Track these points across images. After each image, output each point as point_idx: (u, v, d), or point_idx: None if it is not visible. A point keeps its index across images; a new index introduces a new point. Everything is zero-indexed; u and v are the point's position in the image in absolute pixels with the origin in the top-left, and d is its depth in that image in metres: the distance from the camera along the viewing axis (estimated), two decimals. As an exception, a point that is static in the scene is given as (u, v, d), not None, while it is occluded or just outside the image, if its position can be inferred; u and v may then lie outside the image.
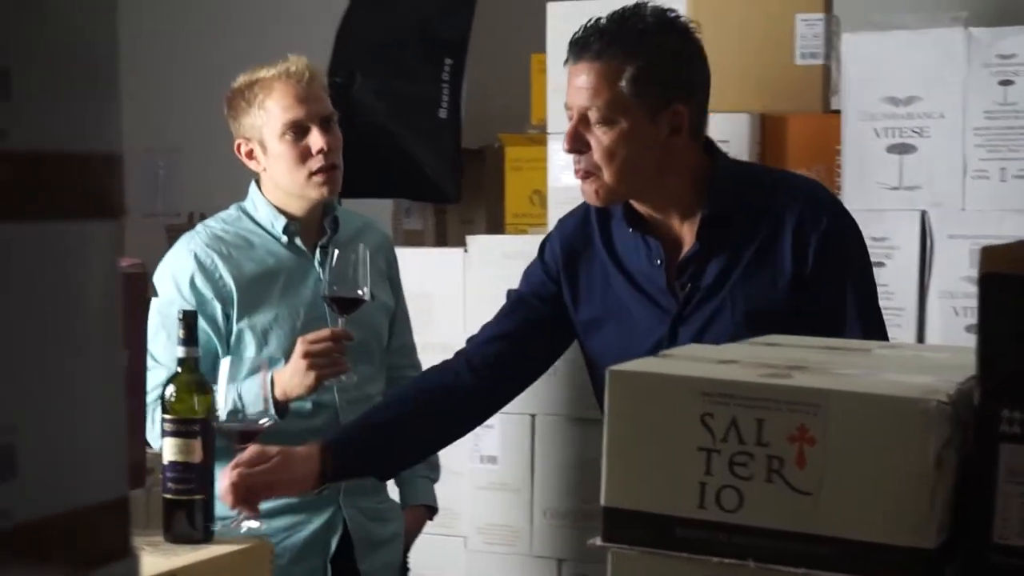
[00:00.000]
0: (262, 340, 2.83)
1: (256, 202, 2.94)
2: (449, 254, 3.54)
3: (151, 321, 2.77)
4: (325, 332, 2.70)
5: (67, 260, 0.81)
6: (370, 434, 2.54)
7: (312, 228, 2.94)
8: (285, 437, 2.77)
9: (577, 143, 2.38)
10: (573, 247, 2.60)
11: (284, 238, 2.90)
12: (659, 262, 2.47)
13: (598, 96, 2.35)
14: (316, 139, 2.84)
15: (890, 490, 1.31)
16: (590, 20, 2.41)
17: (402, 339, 3.15)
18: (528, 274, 2.70)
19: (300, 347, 2.69)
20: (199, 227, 2.94)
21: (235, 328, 2.83)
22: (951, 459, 1.32)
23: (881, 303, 2.52)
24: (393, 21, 4.60)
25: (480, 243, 3.61)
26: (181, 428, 2.23)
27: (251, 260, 2.88)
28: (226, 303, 2.83)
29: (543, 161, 3.83)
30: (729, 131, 3.35)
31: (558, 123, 3.75)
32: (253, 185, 2.97)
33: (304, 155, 2.84)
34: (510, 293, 2.73)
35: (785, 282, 2.38)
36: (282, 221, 2.90)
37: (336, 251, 2.70)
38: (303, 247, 2.91)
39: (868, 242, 2.56)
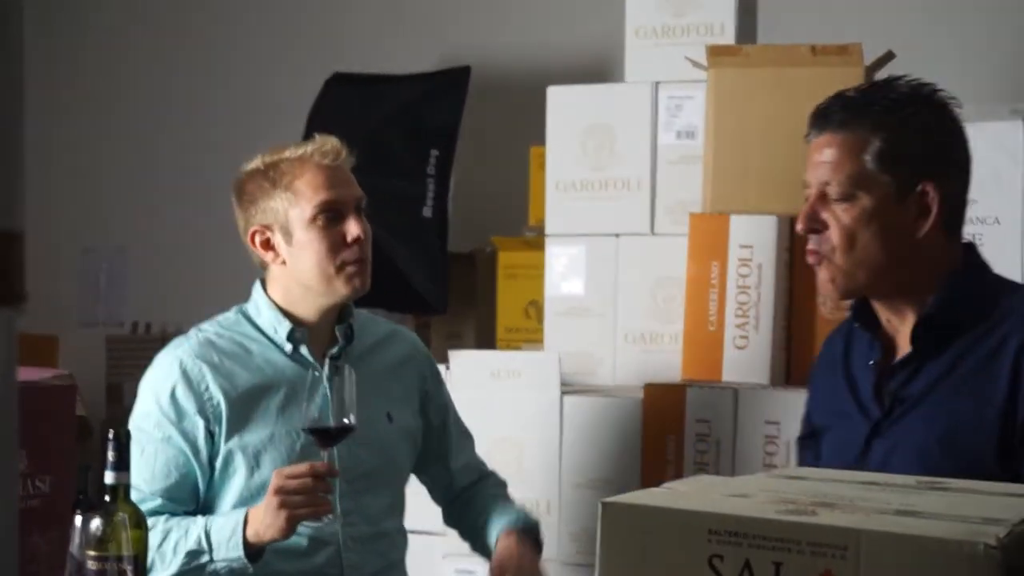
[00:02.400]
0: (253, 463, 2.79)
1: (259, 303, 2.91)
2: (429, 372, 3.48)
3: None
4: (303, 467, 2.64)
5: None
6: None
7: (322, 336, 2.90)
8: None
9: (813, 222, 2.42)
10: (832, 350, 2.64)
11: (288, 346, 2.87)
12: (871, 363, 2.48)
13: (839, 170, 2.39)
14: (352, 226, 2.83)
15: (930, 649, 1.28)
16: (837, 92, 2.46)
17: (463, 458, 3.11)
18: None
19: (274, 481, 2.64)
20: (191, 331, 2.91)
21: (222, 448, 2.79)
22: (1002, 613, 1.29)
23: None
24: (372, 105, 4.63)
25: (464, 360, 3.59)
26: (110, 568, 2.19)
27: (246, 370, 2.84)
28: (210, 420, 2.79)
29: (541, 268, 3.83)
30: (753, 235, 3.36)
31: (558, 224, 3.76)
32: (256, 285, 2.93)
33: (337, 244, 2.82)
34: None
35: (996, 410, 2.33)
36: (286, 326, 2.86)
37: (316, 374, 2.67)
38: (310, 357, 2.87)
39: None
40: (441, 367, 3.56)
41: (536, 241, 4.00)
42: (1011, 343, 2.34)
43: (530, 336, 4.14)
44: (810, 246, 2.45)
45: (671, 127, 3.64)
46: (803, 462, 2.60)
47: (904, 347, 2.45)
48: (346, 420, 2.64)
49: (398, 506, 2.97)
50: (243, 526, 2.68)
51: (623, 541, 1.40)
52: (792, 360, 3.42)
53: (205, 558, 2.70)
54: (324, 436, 2.65)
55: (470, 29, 5.01)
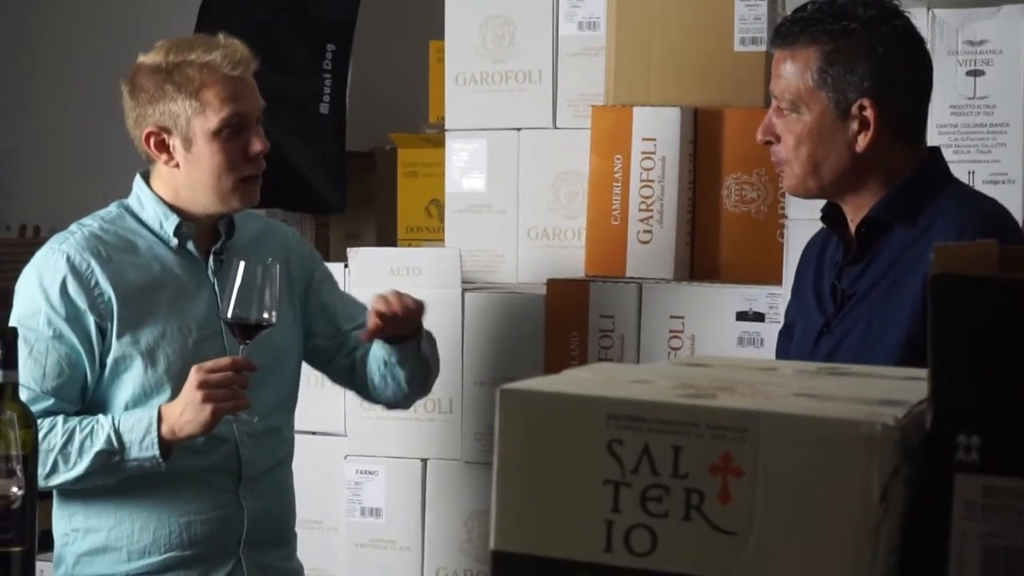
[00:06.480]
0: (147, 361, 2.78)
1: (142, 198, 2.88)
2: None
3: None
4: (225, 360, 2.68)
5: None
6: None
7: (205, 232, 2.90)
8: (177, 477, 2.75)
9: (766, 133, 2.57)
10: (811, 247, 2.74)
11: (174, 241, 2.85)
12: (835, 262, 2.59)
13: (786, 86, 2.52)
14: (255, 140, 2.84)
15: (829, 529, 1.29)
16: (798, 7, 2.58)
17: (358, 319, 3.05)
18: None
19: (195, 376, 2.65)
20: (73, 226, 2.87)
21: (113, 346, 2.78)
22: (899, 493, 1.31)
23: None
24: (265, -1, 4.57)
25: (363, 257, 3.58)
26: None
27: (134, 267, 2.83)
28: (103, 317, 2.77)
29: (441, 166, 3.81)
30: (657, 128, 3.37)
31: (458, 120, 3.75)
32: (138, 179, 2.90)
33: (236, 159, 2.82)
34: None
35: (909, 309, 2.41)
36: (173, 221, 2.85)
37: (242, 263, 2.67)
38: (195, 253, 2.87)
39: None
40: (340, 265, 3.55)
41: (436, 138, 3.99)
42: (934, 237, 2.40)
43: (432, 235, 4.13)
44: (772, 156, 2.59)
45: (572, 18, 3.62)
46: (778, 352, 2.75)
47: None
48: (266, 315, 2.65)
49: (285, 403, 2.98)
50: (157, 424, 2.68)
51: (522, 428, 1.41)
52: (696, 254, 3.44)
53: (116, 458, 2.70)
54: (244, 329, 2.66)
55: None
